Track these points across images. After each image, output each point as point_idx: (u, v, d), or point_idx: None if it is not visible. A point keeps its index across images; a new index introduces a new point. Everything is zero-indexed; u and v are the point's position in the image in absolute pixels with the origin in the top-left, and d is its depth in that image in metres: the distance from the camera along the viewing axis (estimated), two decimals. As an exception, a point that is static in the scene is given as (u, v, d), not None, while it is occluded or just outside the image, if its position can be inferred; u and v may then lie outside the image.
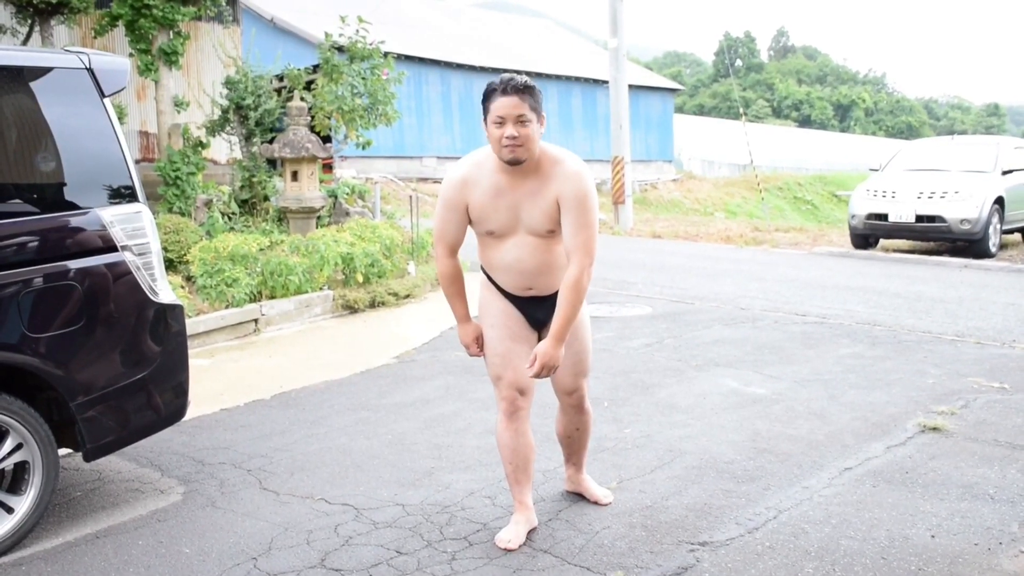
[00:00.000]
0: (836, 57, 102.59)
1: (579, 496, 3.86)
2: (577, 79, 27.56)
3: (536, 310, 3.45)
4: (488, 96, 3.16)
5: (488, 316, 3.49)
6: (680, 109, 56.58)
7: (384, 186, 21.32)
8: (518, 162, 3.17)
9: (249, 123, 9.78)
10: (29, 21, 9.26)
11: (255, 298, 7.49)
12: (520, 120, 3.13)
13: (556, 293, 3.40)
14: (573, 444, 3.76)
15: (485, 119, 3.16)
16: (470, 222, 3.36)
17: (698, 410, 5.11)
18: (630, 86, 20.99)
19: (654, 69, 56.85)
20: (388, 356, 6.51)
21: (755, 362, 6.20)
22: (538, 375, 3.30)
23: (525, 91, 3.13)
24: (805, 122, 65.26)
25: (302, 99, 9.88)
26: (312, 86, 10.32)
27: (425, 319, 7.87)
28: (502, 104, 3.12)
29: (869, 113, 71.49)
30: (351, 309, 8.10)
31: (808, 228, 17.49)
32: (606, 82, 20.66)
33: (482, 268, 3.54)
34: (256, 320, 7.31)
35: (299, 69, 10.35)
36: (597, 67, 28.09)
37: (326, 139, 12.49)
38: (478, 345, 3.50)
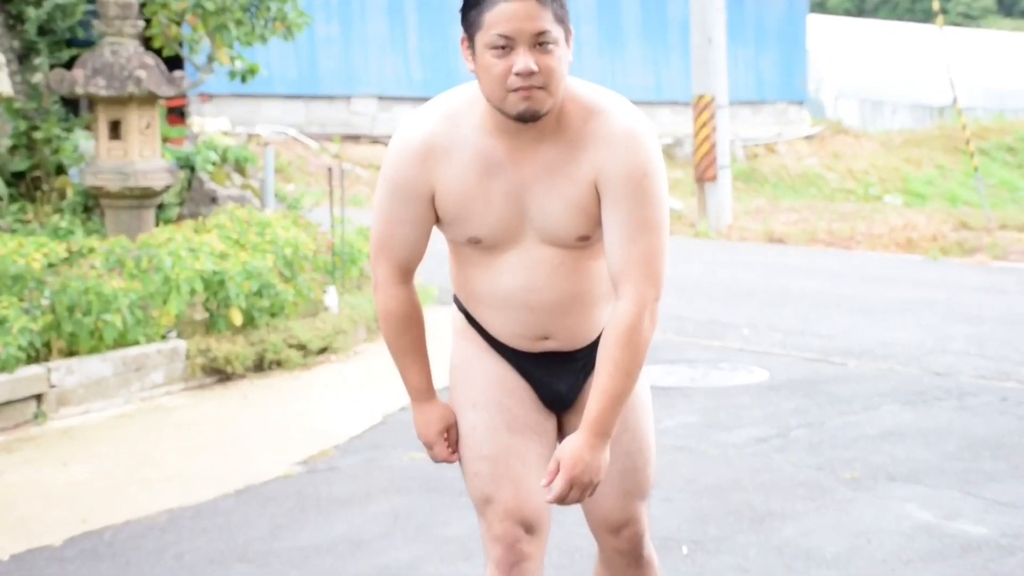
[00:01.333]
0: None
1: None
2: (630, -47, 27.77)
3: (555, 377, 3.47)
4: (475, 0, 3.15)
5: (469, 389, 3.48)
6: (821, 5, 56.92)
7: (283, 149, 21.41)
8: (536, 116, 3.16)
9: (26, 29, 9.77)
10: None
11: (38, 356, 7.43)
12: (540, 41, 3.10)
13: (591, 347, 3.41)
14: None
15: (471, 40, 3.15)
16: (437, 222, 3.35)
17: (858, 563, 5.06)
18: (729, -34, 21.08)
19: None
20: (288, 461, 6.47)
21: (965, 474, 6.14)
22: (562, 500, 3.25)
23: None
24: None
25: (129, -11, 9.89)
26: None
27: (357, 392, 7.84)
28: (507, 13, 3.09)
29: None
30: (220, 374, 8.07)
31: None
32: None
33: (456, 301, 3.54)
34: (39, 396, 7.24)
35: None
36: (669, -69, 28.28)
37: (173, 62, 12.45)
38: (448, 442, 3.48)
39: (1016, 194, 26.93)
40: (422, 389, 3.48)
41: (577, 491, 3.24)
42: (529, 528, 3.40)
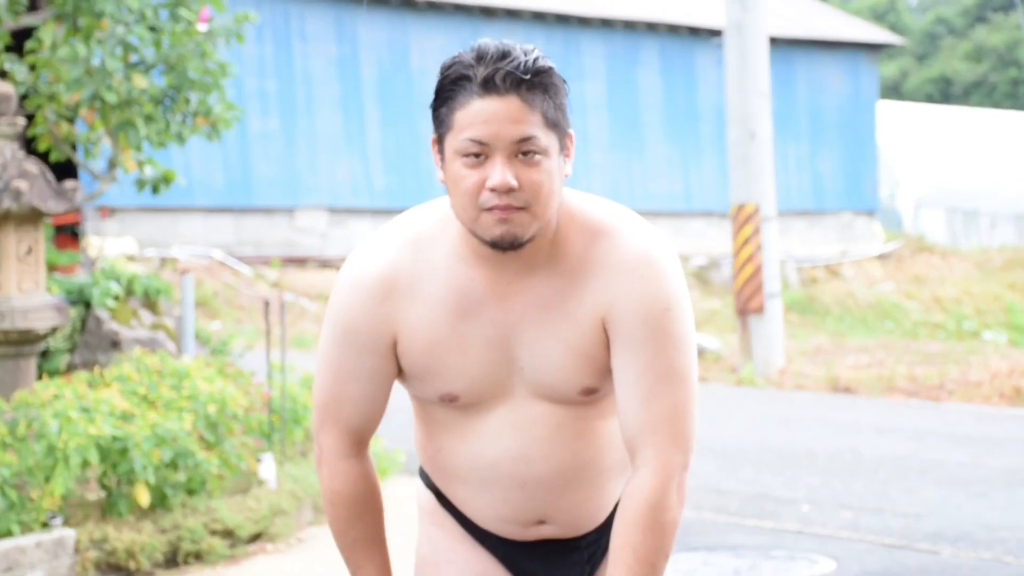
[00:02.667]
0: None
1: None
2: (651, 28, 28.23)
3: (555, 570, 3.48)
4: (447, 93, 3.14)
5: None
6: (895, 90, 57.61)
7: (206, 276, 21.48)
8: (515, 244, 3.16)
9: None
10: None
11: None
12: (523, 150, 3.10)
13: (600, 531, 3.43)
14: None
15: (440, 142, 3.17)
16: (399, 375, 3.36)
17: None
18: (775, 40, 21.42)
19: (833, 2, 58.22)
20: None
21: None
22: None
23: (534, 83, 3.11)
24: None
25: (3, 74, 9.99)
26: (29, 44, 10.46)
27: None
28: (483, 114, 3.09)
29: None
30: (121, 571, 8.03)
31: None
32: (717, 32, 20.88)
33: (423, 475, 3.55)
34: None
35: (-3, 8, 10.52)
36: (695, 2, 28.67)
37: (66, 169, 12.55)
38: None
39: None
40: None
41: None
42: None
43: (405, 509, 9.95)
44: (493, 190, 3.07)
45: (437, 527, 3.49)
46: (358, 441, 3.40)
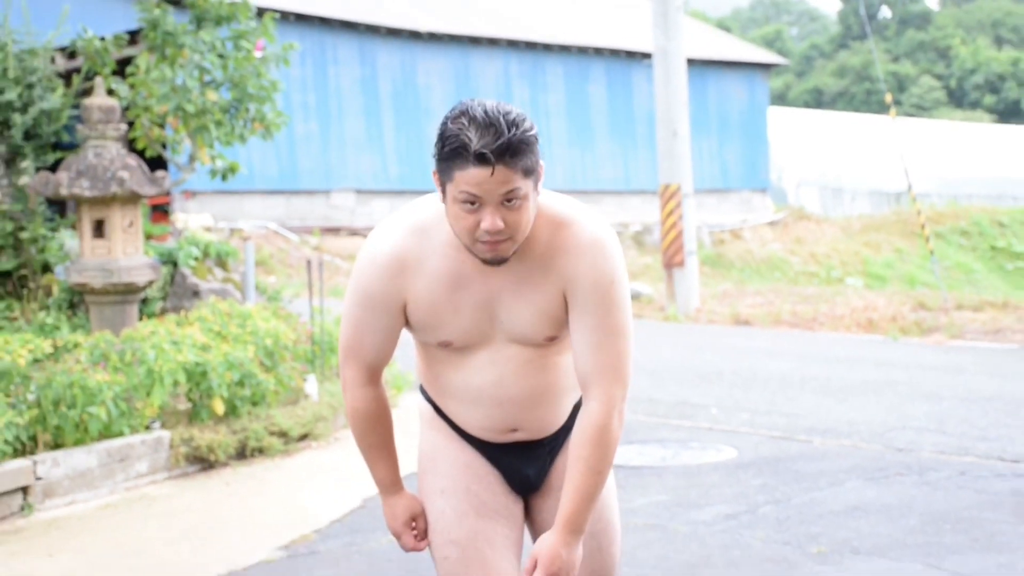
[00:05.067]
0: None
1: None
2: (598, 52, 28.11)
3: (524, 463, 3.49)
4: (450, 156, 3.11)
5: (437, 477, 3.47)
6: (781, 98, 57.48)
7: (263, 243, 21.42)
8: (502, 262, 3.20)
9: (12, 135, 9.82)
10: None
11: (24, 449, 7.39)
12: (508, 198, 3.08)
13: (558, 433, 3.46)
14: None
15: (442, 185, 3.15)
16: (407, 325, 3.39)
17: (826, 635, 5.03)
18: (691, 61, 21.35)
19: (734, 31, 57.99)
20: (269, 546, 6.45)
21: (927, 548, 6.14)
22: None
23: (515, 151, 3.07)
24: (1010, 113, 65.06)
25: (111, 92, 9.96)
26: (129, 68, 10.41)
27: (337, 477, 7.82)
28: (477, 178, 3.07)
29: None
30: (203, 463, 8.03)
31: (1019, 303, 17.57)
32: (647, 55, 20.86)
33: (423, 392, 3.56)
34: (26, 489, 7.20)
35: (104, 38, 10.45)
36: (630, 31, 28.58)
37: (157, 163, 12.51)
38: (416, 531, 3.49)
39: (971, 276, 27.15)
40: (388, 483, 3.51)
41: None
42: None
43: (415, 415, 9.95)
44: (486, 231, 3.11)
45: (435, 430, 3.52)
46: (373, 373, 3.45)
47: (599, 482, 3.25)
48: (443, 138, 3.10)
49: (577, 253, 3.25)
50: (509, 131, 3.05)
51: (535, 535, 3.54)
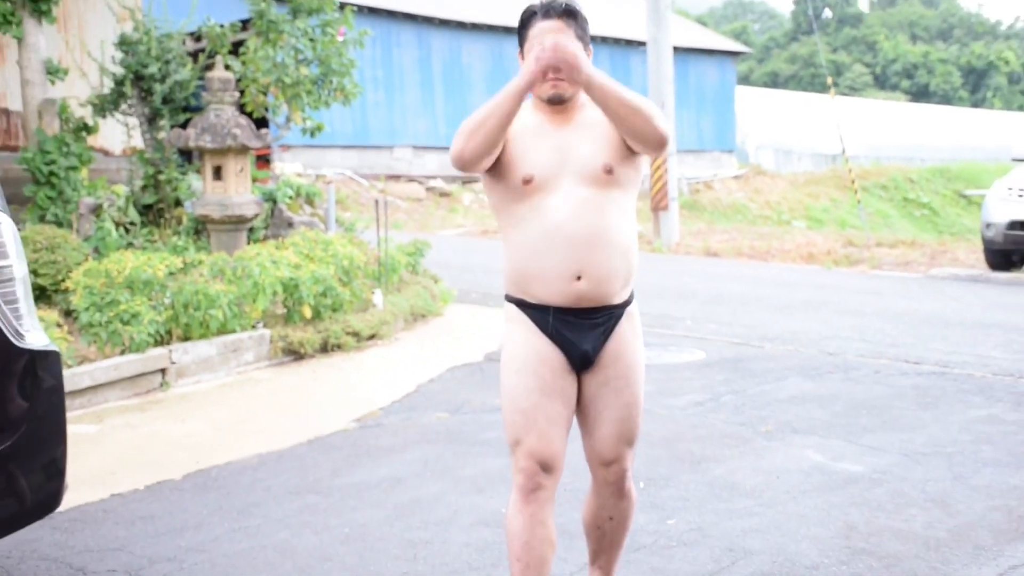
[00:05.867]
0: (967, 2, 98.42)
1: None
2: (603, 40, 27.76)
3: (583, 338, 3.43)
4: (525, 23, 3.43)
5: (514, 359, 3.47)
6: (746, 79, 56.94)
7: (341, 186, 21.44)
8: (561, 100, 3.38)
9: (153, 99, 9.84)
10: None
11: (162, 340, 7.49)
12: None
13: (613, 307, 3.43)
14: (604, 540, 3.70)
15: (521, 50, 3.42)
16: (500, 178, 3.43)
17: (769, 493, 5.11)
18: (676, 49, 21.12)
19: (710, 25, 57.28)
20: (346, 419, 6.52)
21: (848, 428, 6.20)
22: (552, 53, 3.26)
23: (570, 15, 3.38)
24: (921, 94, 64.88)
25: (227, 67, 9.95)
26: (241, 49, 10.40)
27: (396, 368, 7.87)
28: (542, 29, 3.37)
29: (1015, 80, 69.96)
30: (295, 354, 8.10)
31: (924, 242, 17.56)
32: (642, 44, 20.74)
33: (508, 298, 3.55)
34: (164, 371, 7.31)
35: (223, 25, 10.44)
36: (629, 24, 28.30)
37: (261, 122, 12.54)
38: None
39: (888, 220, 27.00)
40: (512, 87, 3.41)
41: (560, 57, 3.25)
42: (546, 467, 3.42)
43: (457, 322, 10.05)
44: (551, 47, 3.27)
45: (516, 324, 3.48)
46: (482, 160, 3.41)
47: (627, 95, 3.29)
48: (521, 16, 3.45)
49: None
50: (563, 3, 3.40)
51: (580, 412, 3.54)
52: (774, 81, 64.37)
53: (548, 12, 3.37)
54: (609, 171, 3.33)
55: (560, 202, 3.33)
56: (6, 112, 11.45)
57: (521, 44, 3.42)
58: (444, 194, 24.17)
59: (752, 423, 6.31)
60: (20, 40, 9.72)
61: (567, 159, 3.35)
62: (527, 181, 3.34)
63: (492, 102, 3.36)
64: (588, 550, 3.78)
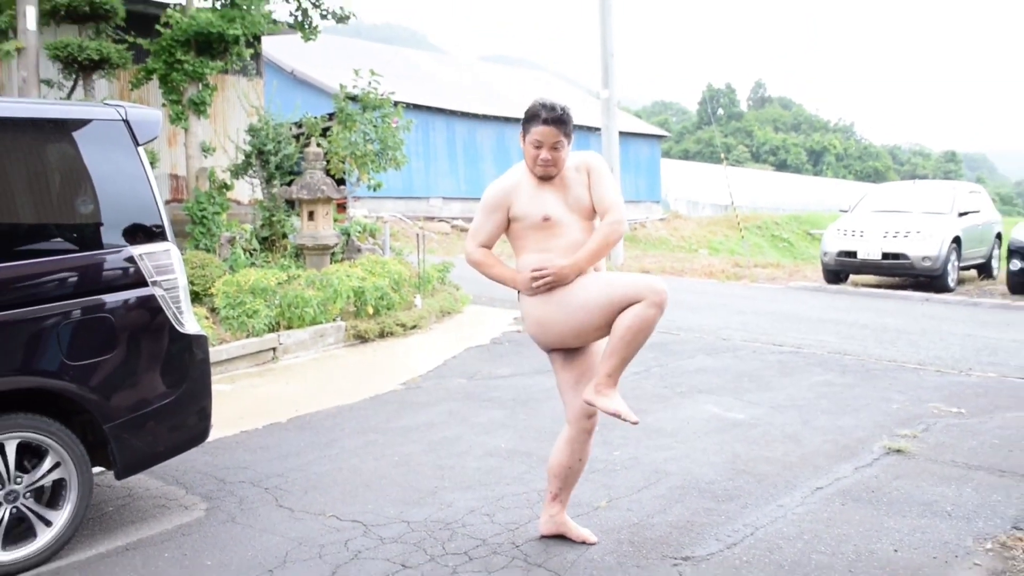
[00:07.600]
0: (809, 107, 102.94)
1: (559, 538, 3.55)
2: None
3: None
4: (530, 119, 3.29)
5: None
6: (667, 154, 56.75)
7: (393, 224, 21.39)
8: (549, 179, 3.34)
9: (270, 167, 9.87)
10: (74, 76, 9.36)
11: (273, 328, 7.51)
12: (555, 146, 3.29)
13: None
14: (571, 477, 3.47)
15: (524, 136, 3.30)
16: (507, 226, 3.35)
17: (682, 434, 5.12)
18: (620, 133, 21.14)
19: (643, 117, 57.24)
20: (395, 383, 6.51)
21: (735, 389, 6.21)
22: (542, 277, 3.23)
23: (562, 122, 3.28)
24: (781, 166, 65.65)
25: (318, 145, 9.98)
26: (328, 133, 10.42)
27: (430, 348, 7.85)
28: (541, 132, 3.27)
29: (840, 158, 72.18)
30: (361, 339, 8.08)
31: (784, 264, 17.55)
32: (598, 129, 20.84)
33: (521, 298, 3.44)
34: (274, 349, 7.33)
35: (316, 117, 10.46)
36: (590, 115, 28.25)
37: (340, 181, 12.53)
38: (535, 275, 3.30)
39: (761, 249, 26.90)
40: (508, 275, 3.38)
41: (551, 282, 3.22)
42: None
43: (472, 317, 10.04)
44: (542, 160, 3.27)
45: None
46: (485, 246, 3.41)
47: (604, 247, 3.24)
48: (528, 110, 3.29)
49: (585, 160, 3.38)
50: (560, 111, 3.28)
51: (578, 372, 3.40)
52: (686, 155, 64.33)
53: (547, 120, 3.25)
54: (592, 211, 3.35)
55: (571, 230, 3.32)
56: (176, 177, 11.61)
57: (525, 132, 3.30)
58: (463, 230, 24.11)
59: (671, 386, 6.32)
60: (187, 130, 9.79)
61: (566, 204, 3.33)
62: (546, 219, 3.31)
63: (493, 270, 3.35)
64: (551, 488, 3.50)
